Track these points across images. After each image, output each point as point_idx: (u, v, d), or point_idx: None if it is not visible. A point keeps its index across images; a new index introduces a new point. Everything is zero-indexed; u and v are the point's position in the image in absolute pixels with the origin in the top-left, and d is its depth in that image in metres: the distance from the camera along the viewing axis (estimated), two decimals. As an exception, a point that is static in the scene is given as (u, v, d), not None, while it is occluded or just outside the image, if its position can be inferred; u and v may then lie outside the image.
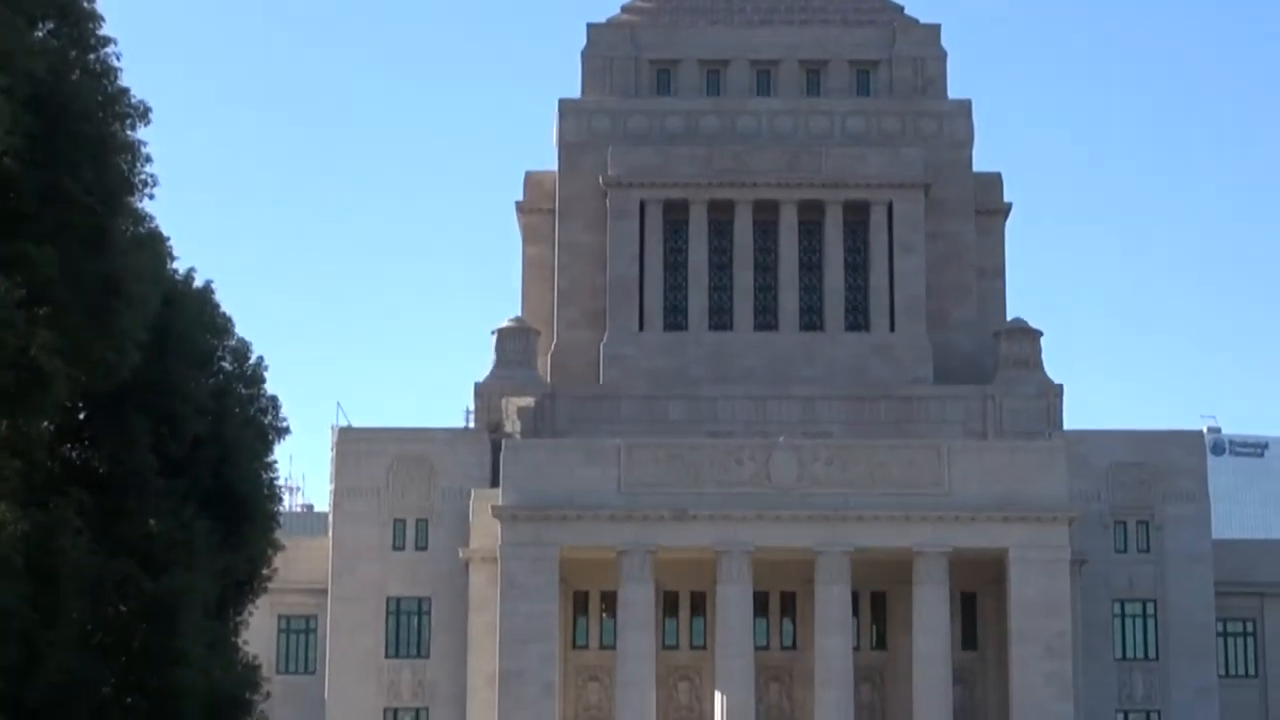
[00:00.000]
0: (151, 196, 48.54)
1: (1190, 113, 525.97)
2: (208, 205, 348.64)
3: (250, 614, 64.10)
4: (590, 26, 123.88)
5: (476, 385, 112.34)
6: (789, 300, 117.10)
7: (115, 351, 46.38)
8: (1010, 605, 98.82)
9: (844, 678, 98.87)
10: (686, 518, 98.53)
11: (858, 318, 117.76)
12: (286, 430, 61.28)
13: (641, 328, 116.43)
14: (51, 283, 43.95)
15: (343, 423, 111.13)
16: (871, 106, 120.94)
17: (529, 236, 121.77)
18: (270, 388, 60.91)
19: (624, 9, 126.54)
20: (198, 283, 57.55)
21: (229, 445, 57.01)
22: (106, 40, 46.57)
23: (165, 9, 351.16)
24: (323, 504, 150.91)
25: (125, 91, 46.83)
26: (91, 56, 46.27)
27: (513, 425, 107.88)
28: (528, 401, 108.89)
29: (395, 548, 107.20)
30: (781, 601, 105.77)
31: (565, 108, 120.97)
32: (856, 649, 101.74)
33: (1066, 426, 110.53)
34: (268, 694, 61.85)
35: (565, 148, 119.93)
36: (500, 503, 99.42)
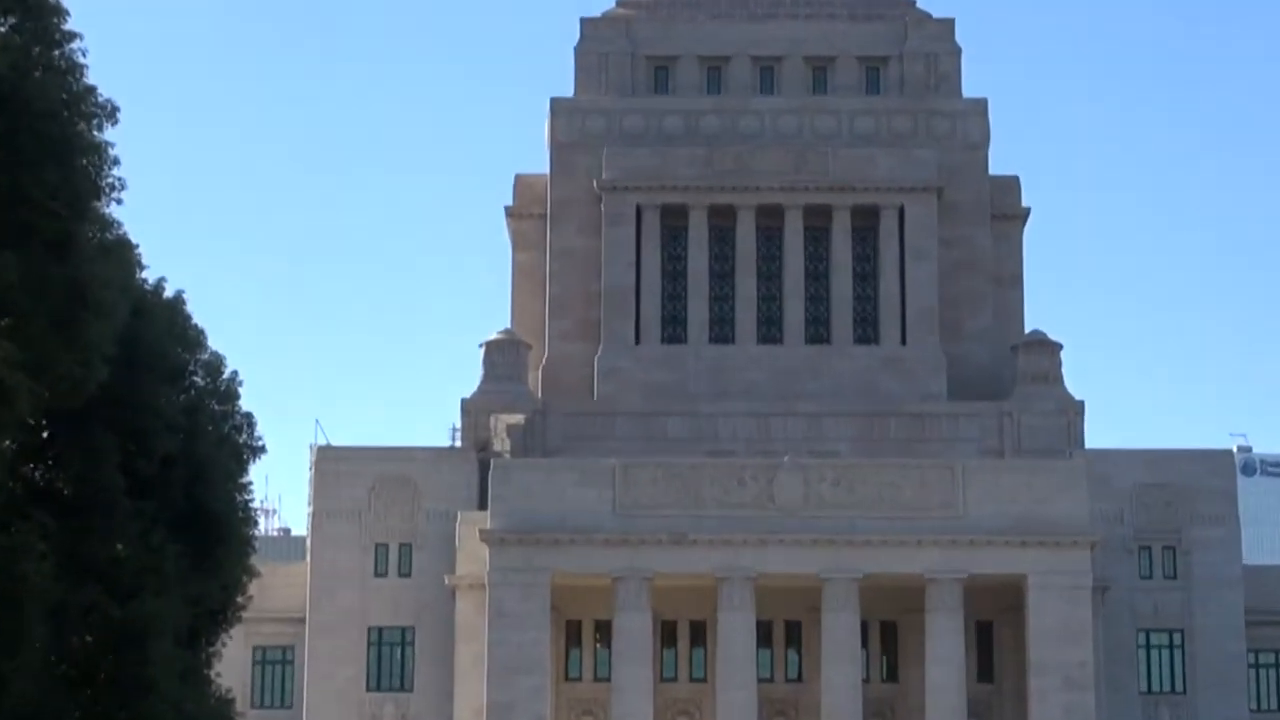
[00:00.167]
0: (119, 201, 48.67)
1: (1222, 112, 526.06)
2: (179, 210, 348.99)
3: (224, 644, 64.17)
4: (584, 21, 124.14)
5: (463, 401, 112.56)
6: (794, 311, 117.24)
7: (81, 365, 46.42)
8: (1028, 635, 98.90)
9: (852, 712, 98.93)
10: (685, 542, 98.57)
11: (867, 329, 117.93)
12: (262, 449, 61.60)
13: (638, 340, 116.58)
14: (13, 291, 43.97)
15: (321, 441, 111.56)
16: (881, 105, 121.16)
17: (519, 243, 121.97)
18: (245, 404, 61.41)
19: (620, 3, 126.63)
20: (168, 293, 57.84)
21: (201, 465, 57.12)
22: (71, 36, 46.65)
23: (134, 1, 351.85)
24: (300, 527, 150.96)
25: (91, 90, 46.91)
26: (55, 53, 46.33)
27: (502, 444, 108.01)
28: (517, 418, 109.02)
29: (377, 574, 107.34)
30: (786, 631, 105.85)
31: (557, 107, 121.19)
32: (866, 681, 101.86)
33: (1088, 445, 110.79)
34: (242, 729, 61.99)
35: (557, 149, 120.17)
36: (488, 526, 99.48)
